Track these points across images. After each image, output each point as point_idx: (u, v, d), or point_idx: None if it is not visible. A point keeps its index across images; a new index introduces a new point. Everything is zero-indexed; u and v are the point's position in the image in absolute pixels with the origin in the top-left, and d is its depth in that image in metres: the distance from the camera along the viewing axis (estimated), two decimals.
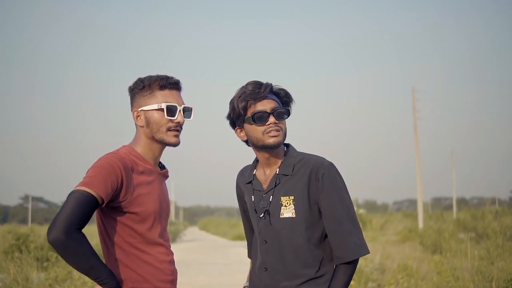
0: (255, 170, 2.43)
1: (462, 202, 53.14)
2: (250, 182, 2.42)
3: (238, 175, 2.54)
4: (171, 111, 2.17)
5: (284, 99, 2.38)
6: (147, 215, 2.13)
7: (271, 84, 2.34)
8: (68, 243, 1.90)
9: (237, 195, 2.56)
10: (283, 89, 2.38)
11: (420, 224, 26.10)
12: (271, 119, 2.28)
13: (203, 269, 13.25)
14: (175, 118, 2.17)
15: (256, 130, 2.29)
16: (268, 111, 2.28)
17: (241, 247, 22.17)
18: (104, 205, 2.05)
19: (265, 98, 2.30)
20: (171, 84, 2.20)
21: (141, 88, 2.19)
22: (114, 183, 2.04)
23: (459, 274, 7.32)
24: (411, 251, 13.41)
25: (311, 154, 2.38)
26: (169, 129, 2.18)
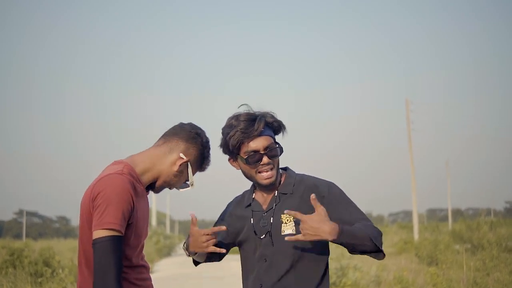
0: (254, 193, 2.40)
1: (457, 213, 53.21)
2: (249, 205, 2.39)
3: (232, 204, 2.49)
4: (185, 183, 2.29)
5: (276, 129, 2.34)
6: (141, 240, 2.13)
7: (264, 118, 2.29)
8: None
9: (222, 219, 2.47)
10: (276, 120, 2.33)
11: (416, 236, 26.09)
12: (265, 159, 2.26)
13: (198, 283, 13.18)
14: (180, 187, 2.29)
15: (249, 169, 2.29)
16: (261, 151, 2.26)
17: (236, 261, 22.03)
18: None
19: (258, 135, 2.26)
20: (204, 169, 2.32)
21: (207, 154, 2.27)
22: (127, 212, 1.99)
23: (455, 286, 7.32)
24: (407, 263, 13.40)
25: (311, 175, 2.38)
26: (171, 186, 2.26)
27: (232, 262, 21.40)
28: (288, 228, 2.26)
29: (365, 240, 2.14)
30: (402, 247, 19.87)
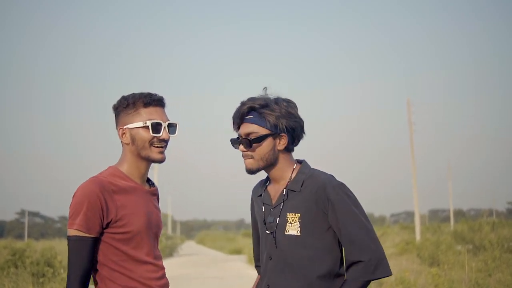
0: (268, 183, 2.35)
1: (459, 213, 53.19)
2: (261, 195, 2.35)
3: (253, 189, 2.46)
4: (156, 128, 2.17)
5: (260, 112, 2.20)
6: (132, 235, 2.13)
7: (251, 102, 2.21)
8: None
9: (251, 209, 2.47)
10: (260, 101, 2.21)
11: (418, 236, 26.04)
12: (240, 147, 2.23)
13: (200, 283, 13.18)
14: (160, 135, 2.17)
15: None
16: (240, 138, 2.24)
17: (238, 261, 22.07)
18: (100, 234, 2.11)
19: (243, 121, 2.22)
20: (155, 101, 2.20)
21: (125, 106, 2.20)
22: (97, 213, 2.07)
23: (456, 287, 7.31)
24: (409, 264, 13.38)
25: (323, 172, 2.28)
26: (152, 145, 2.18)
27: (234, 263, 21.39)
28: (292, 229, 2.19)
29: None
30: (403, 248, 19.83)
